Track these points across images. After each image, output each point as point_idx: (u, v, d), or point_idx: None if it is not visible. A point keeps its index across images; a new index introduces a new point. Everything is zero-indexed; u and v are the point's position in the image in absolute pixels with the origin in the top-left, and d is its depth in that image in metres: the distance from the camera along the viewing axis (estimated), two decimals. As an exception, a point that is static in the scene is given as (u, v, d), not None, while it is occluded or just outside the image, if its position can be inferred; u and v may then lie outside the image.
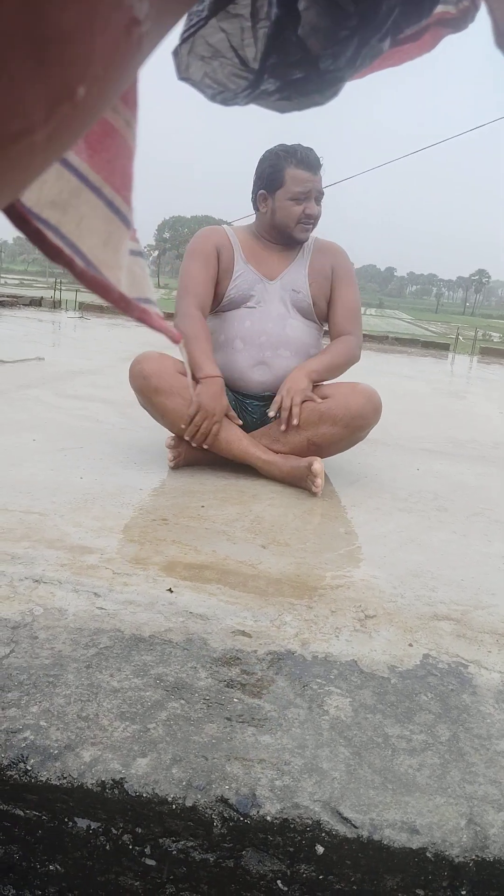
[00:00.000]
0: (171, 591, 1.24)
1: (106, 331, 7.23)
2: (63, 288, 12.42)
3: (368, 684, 1.03)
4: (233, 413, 2.12)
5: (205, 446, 2.04)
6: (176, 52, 0.51)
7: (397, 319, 44.04)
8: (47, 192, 0.38)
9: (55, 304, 10.00)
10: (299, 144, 2.17)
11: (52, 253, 0.38)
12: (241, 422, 2.14)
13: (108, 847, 0.80)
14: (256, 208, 2.25)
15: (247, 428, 2.17)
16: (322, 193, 2.18)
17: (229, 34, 0.48)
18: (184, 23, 0.50)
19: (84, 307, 10.04)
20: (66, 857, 0.82)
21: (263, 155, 2.20)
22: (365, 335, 9.82)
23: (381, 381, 5.26)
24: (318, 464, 1.95)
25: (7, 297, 9.37)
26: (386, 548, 1.61)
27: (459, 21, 0.62)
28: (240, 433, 2.09)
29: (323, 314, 2.28)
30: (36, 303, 9.71)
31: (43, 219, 0.38)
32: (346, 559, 1.51)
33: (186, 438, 2.03)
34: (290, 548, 1.54)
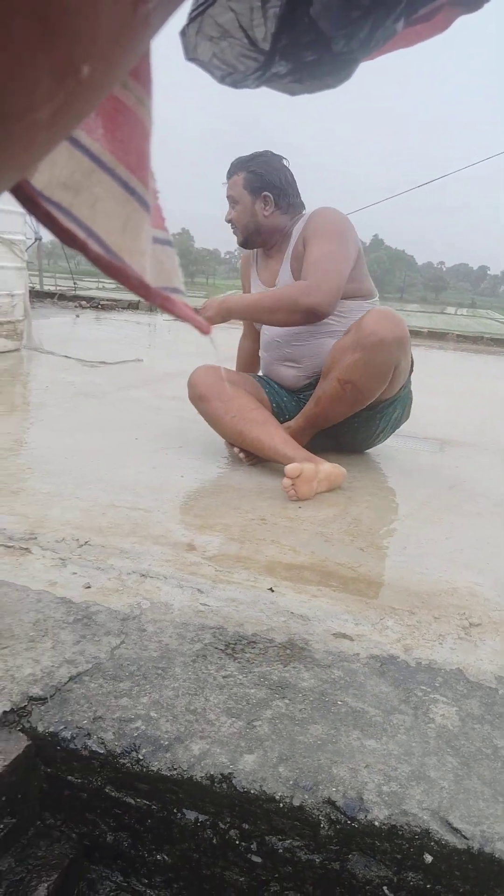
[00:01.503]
0: (273, 591, 1.25)
1: (199, 334, 7.33)
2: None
3: (475, 694, 1.01)
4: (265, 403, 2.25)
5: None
6: (183, 33, 0.50)
7: (490, 320, 42.58)
8: (58, 174, 0.37)
9: (151, 308, 10.24)
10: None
11: (64, 237, 0.36)
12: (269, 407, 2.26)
13: (214, 841, 0.82)
14: None
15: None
16: (231, 197, 2.30)
17: (238, 14, 0.47)
18: (192, 1, 0.49)
19: (178, 309, 10.21)
20: (173, 847, 0.84)
21: None
22: (458, 335, 9.57)
23: (476, 383, 5.12)
24: (290, 467, 1.82)
25: (107, 300, 9.68)
26: (488, 554, 1.56)
27: (473, 1, 0.59)
28: (275, 433, 2.04)
29: None
30: (133, 306, 9.98)
31: (54, 201, 0.37)
32: (448, 564, 1.48)
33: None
34: (390, 551, 1.52)
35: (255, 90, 0.51)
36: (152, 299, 0.41)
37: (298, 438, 2.13)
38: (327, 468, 1.90)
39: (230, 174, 2.29)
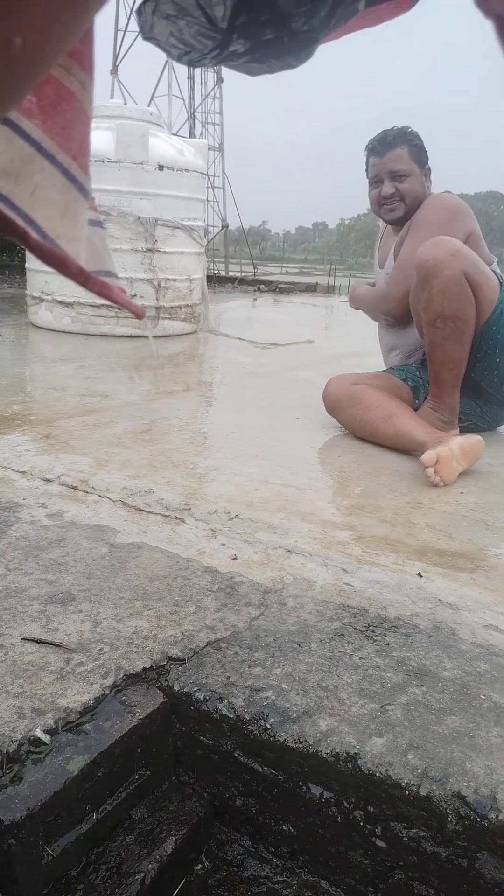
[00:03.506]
0: (421, 576, 1.20)
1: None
2: (337, 274, 12.68)
3: None
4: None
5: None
6: (140, 11, 0.47)
7: None
8: None
9: (328, 290, 10.24)
10: (386, 129, 2.26)
11: (3, 225, 0.35)
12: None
13: (339, 819, 0.81)
14: None
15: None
16: (398, 171, 2.21)
17: None
18: None
19: (356, 292, 10.13)
20: (298, 820, 0.84)
21: None
22: None
23: None
24: (426, 454, 1.72)
25: (285, 284, 9.81)
26: None
27: None
28: (410, 422, 1.98)
29: None
30: (311, 289, 10.03)
31: None
32: None
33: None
34: None
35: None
36: (90, 287, 0.40)
37: (446, 405, 2.06)
38: (460, 441, 1.79)
39: (389, 147, 2.22)
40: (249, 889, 0.87)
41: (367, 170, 2.32)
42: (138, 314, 0.45)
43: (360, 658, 0.95)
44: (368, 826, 0.79)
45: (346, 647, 0.98)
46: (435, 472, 1.71)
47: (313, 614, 1.06)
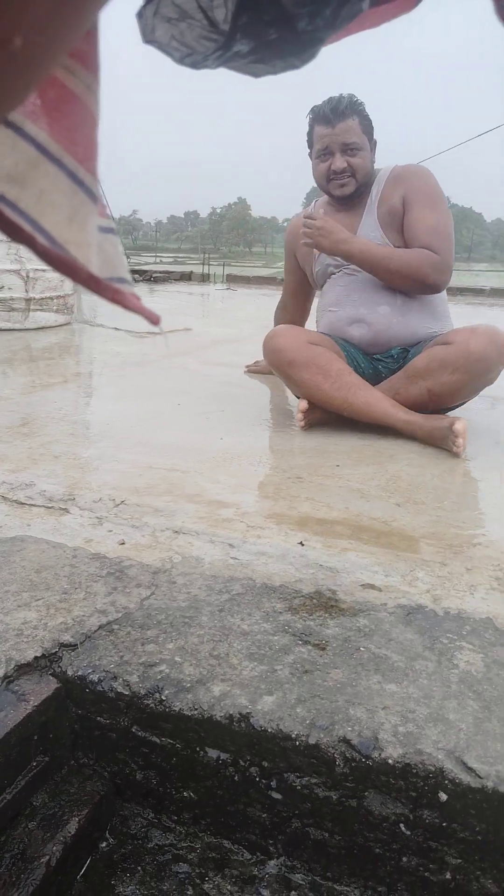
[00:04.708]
0: (303, 545, 1.26)
1: (252, 300, 7.33)
2: (211, 263, 12.72)
3: (503, 641, 1.00)
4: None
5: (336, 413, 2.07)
6: (140, 15, 0.47)
7: None
8: (2, 165, 0.35)
9: (204, 278, 10.27)
10: (333, 96, 2.10)
11: (10, 230, 0.35)
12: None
13: (236, 778, 0.84)
14: None
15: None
16: (351, 144, 2.09)
17: None
18: None
19: (231, 279, 10.23)
20: (198, 785, 0.87)
21: None
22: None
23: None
24: (459, 423, 1.86)
25: (160, 273, 9.75)
26: (531, 508, 1.53)
27: None
28: (380, 395, 2.04)
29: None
30: (186, 277, 10.03)
31: None
32: (485, 519, 1.46)
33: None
34: (427, 506, 1.51)
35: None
36: (102, 293, 0.40)
37: None
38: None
39: (341, 117, 2.07)
40: (155, 859, 0.89)
41: (310, 139, 2.18)
42: (154, 320, 0.44)
43: (249, 625, 1.00)
44: (264, 781, 0.83)
45: (235, 617, 1.02)
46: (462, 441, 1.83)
47: (203, 589, 1.09)
